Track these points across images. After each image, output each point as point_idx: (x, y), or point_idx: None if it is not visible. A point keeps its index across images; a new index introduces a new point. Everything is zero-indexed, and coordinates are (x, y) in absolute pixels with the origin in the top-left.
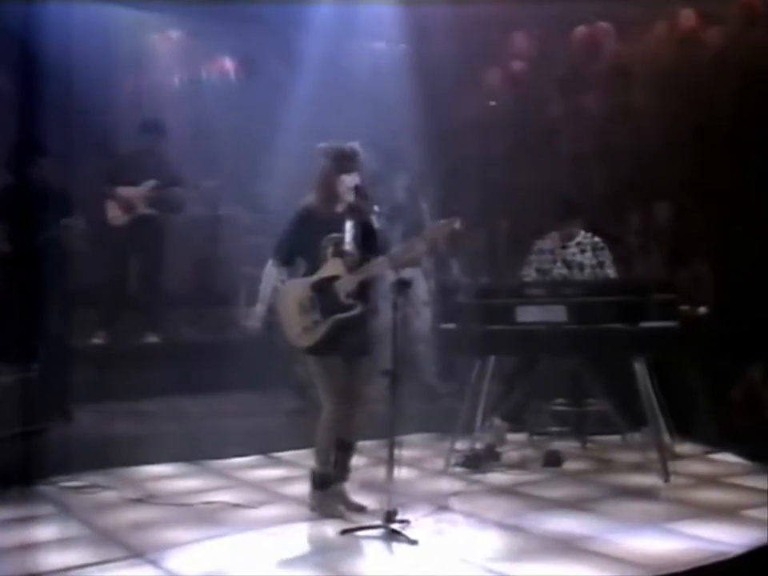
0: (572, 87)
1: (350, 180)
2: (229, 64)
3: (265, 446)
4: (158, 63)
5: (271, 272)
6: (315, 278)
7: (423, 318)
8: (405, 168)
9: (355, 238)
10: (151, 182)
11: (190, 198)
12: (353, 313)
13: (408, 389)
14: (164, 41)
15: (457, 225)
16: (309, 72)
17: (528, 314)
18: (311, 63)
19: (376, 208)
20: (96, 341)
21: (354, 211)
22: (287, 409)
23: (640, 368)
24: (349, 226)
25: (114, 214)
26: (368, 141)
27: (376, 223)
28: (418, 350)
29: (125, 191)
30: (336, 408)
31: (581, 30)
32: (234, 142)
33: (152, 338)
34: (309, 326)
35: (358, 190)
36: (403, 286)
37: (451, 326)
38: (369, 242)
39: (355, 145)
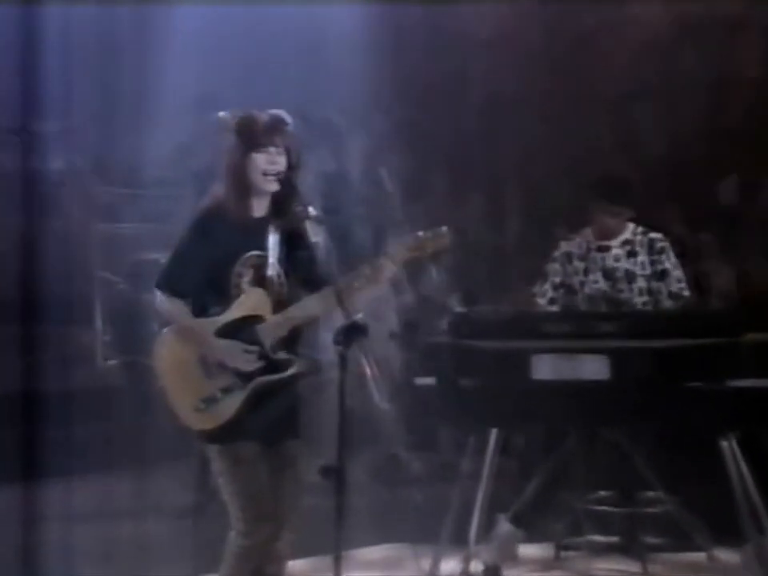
0: None
1: (267, 163)
2: None
3: (128, 572)
4: None
5: (169, 304)
6: (224, 318)
7: (389, 364)
8: (357, 143)
9: (285, 257)
10: None
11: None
12: (285, 374)
13: (366, 468)
14: None
15: (446, 239)
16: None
17: (549, 367)
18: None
19: (311, 210)
20: None
21: (280, 214)
22: (174, 507)
23: (729, 448)
24: (274, 238)
25: None
26: (295, 109)
27: (314, 233)
28: (381, 412)
29: None
30: (252, 529)
31: None
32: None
33: None
34: (212, 396)
35: (284, 180)
36: (356, 333)
37: (429, 380)
38: (304, 262)
39: (277, 113)
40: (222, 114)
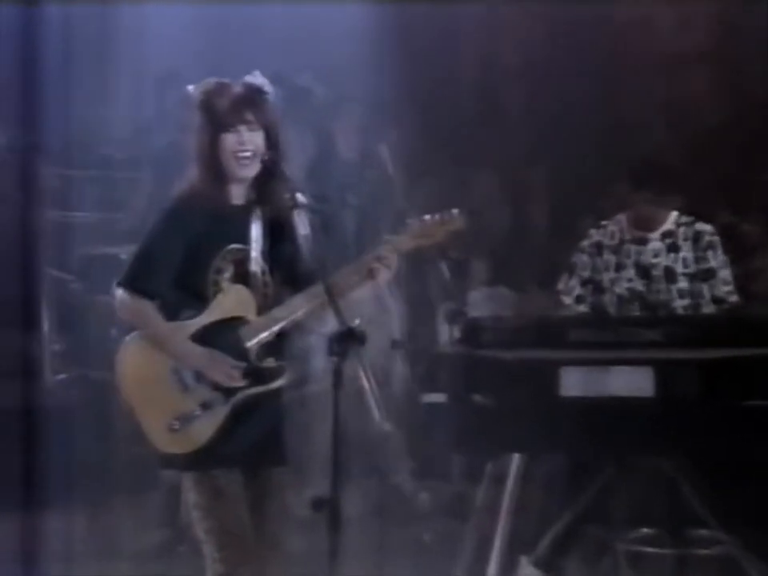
0: None
1: (237, 144)
2: None
3: None
4: None
5: (136, 306)
6: (201, 321)
7: (391, 378)
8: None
9: (269, 250)
10: None
11: None
12: (273, 385)
13: (365, 500)
14: None
15: (457, 224)
16: None
17: (580, 382)
18: None
19: (300, 197)
20: None
21: (263, 201)
22: (137, 547)
23: None
24: (257, 228)
25: None
26: (272, 75)
27: (302, 224)
28: (382, 433)
29: None
30: (231, 572)
31: None
32: None
33: None
34: (189, 413)
35: (266, 162)
36: (352, 341)
37: (439, 397)
38: (291, 257)
39: (253, 81)
40: (190, 87)
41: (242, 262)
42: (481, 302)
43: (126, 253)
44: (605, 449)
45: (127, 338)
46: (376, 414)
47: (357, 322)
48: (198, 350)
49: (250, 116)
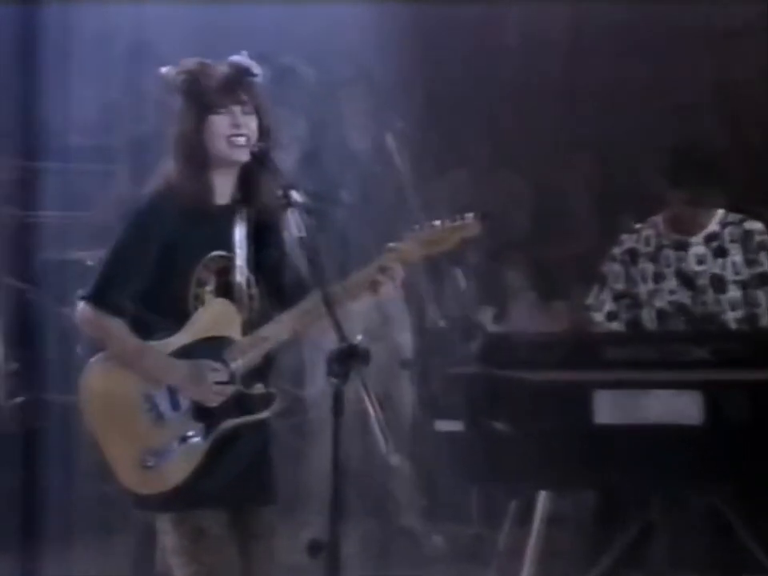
0: None
1: (232, 126)
2: None
3: None
4: None
5: (102, 323)
6: (178, 340)
7: (399, 402)
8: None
9: (255, 257)
10: None
11: None
12: (261, 415)
13: (369, 544)
14: None
15: (473, 230)
16: None
17: (617, 407)
18: None
19: (295, 195)
20: None
21: (251, 200)
22: None
23: None
24: (241, 232)
25: None
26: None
27: (297, 226)
28: (389, 467)
29: None
30: None
31: None
32: None
33: None
34: (164, 447)
35: (256, 152)
36: (355, 360)
37: (455, 425)
38: (280, 265)
39: (240, 61)
40: (165, 69)
41: (225, 271)
42: (502, 315)
43: (93, 258)
44: (645, 483)
45: (93, 358)
46: (382, 443)
47: (359, 338)
48: (179, 363)
49: (243, 96)
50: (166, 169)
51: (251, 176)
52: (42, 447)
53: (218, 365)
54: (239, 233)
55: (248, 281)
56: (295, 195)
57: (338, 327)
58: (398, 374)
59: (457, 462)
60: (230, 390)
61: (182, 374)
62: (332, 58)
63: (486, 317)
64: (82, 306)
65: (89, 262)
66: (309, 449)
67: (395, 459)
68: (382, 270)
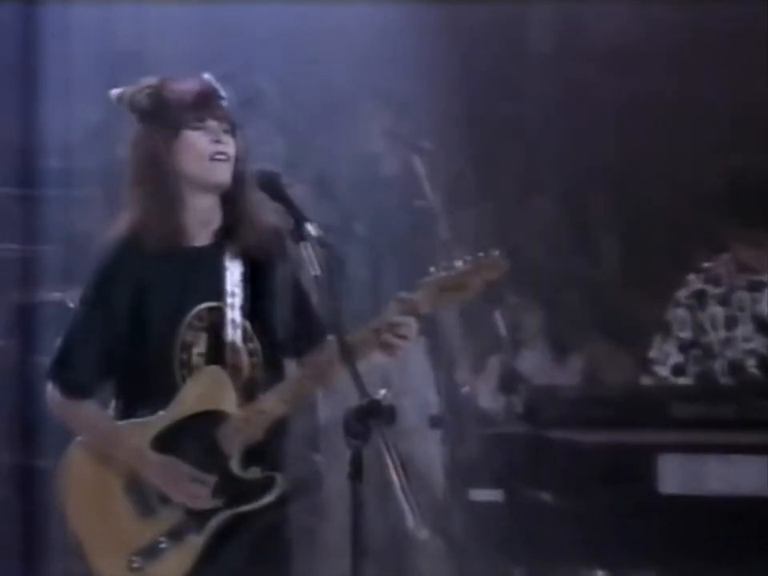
0: None
1: (212, 142)
2: None
3: None
4: None
5: (69, 409)
6: (163, 419)
7: (428, 468)
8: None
9: (254, 305)
10: None
11: None
12: (261, 503)
13: None
14: None
15: (499, 270)
16: None
17: (685, 474)
18: None
19: (309, 227)
20: None
21: (239, 236)
22: None
23: None
24: (232, 275)
25: None
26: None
27: (312, 264)
28: (417, 543)
29: None
30: None
31: None
32: None
33: None
34: (153, 546)
35: (263, 179)
36: (377, 419)
37: (493, 494)
38: (283, 312)
39: (204, 80)
40: (114, 91)
41: (217, 326)
42: (547, 366)
43: (73, 298)
44: (718, 564)
45: (74, 441)
46: (409, 516)
47: (383, 392)
48: (155, 458)
49: (220, 111)
50: (128, 212)
51: (236, 205)
52: (11, 521)
53: (197, 473)
54: (229, 277)
55: (245, 334)
56: (309, 228)
57: (358, 380)
58: (426, 434)
59: (494, 538)
60: (208, 495)
61: (156, 472)
62: (348, 69)
63: (525, 365)
64: (50, 387)
65: (69, 304)
66: (324, 524)
67: (423, 534)
68: (391, 327)
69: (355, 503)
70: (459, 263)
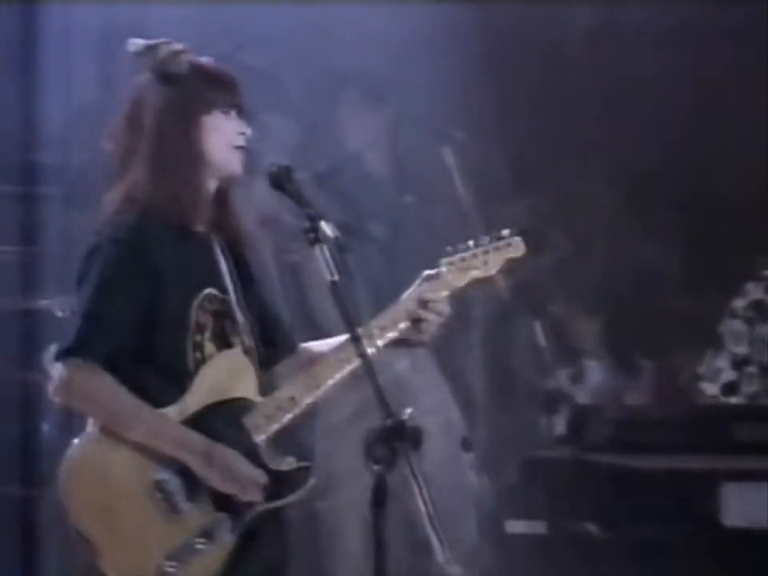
0: None
1: (236, 131)
2: None
3: None
4: None
5: (94, 381)
6: (186, 408)
7: (461, 496)
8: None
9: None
10: None
11: None
12: (298, 495)
13: None
14: None
15: (520, 250)
16: None
17: (751, 504)
18: None
19: (325, 226)
20: None
21: (225, 228)
22: None
23: None
24: (225, 266)
25: None
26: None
27: (328, 268)
28: None
29: None
30: None
31: None
32: None
33: None
34: (186, 548)
35: (276, 173)
36: (401, 439)
37: (533, 526)
38: (266, 310)
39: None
40: (136, 41)
41: (221, 314)
42: (595, 382)
43: (63, 307)
44: None
45: (79, 437)
46: (437, 549)
47: (408, 411)
48: (200, 444)
49: (244, 101)
50: (136, 184)
51: (226, 198)
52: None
53: (248, 463)
54: (224, 267)
55: (244, 326)
56: (325, 228)
57: (381, 397)
58: (457, 458)
59: (535, 574)
60: (260, 491)
61: (202, 460)
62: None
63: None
64: (59, 366)
65: (58, 313)
66: (328, 548)
67: (455, 569)
68: (423, 303)
69: (378, 532)
70: (472, 242)
